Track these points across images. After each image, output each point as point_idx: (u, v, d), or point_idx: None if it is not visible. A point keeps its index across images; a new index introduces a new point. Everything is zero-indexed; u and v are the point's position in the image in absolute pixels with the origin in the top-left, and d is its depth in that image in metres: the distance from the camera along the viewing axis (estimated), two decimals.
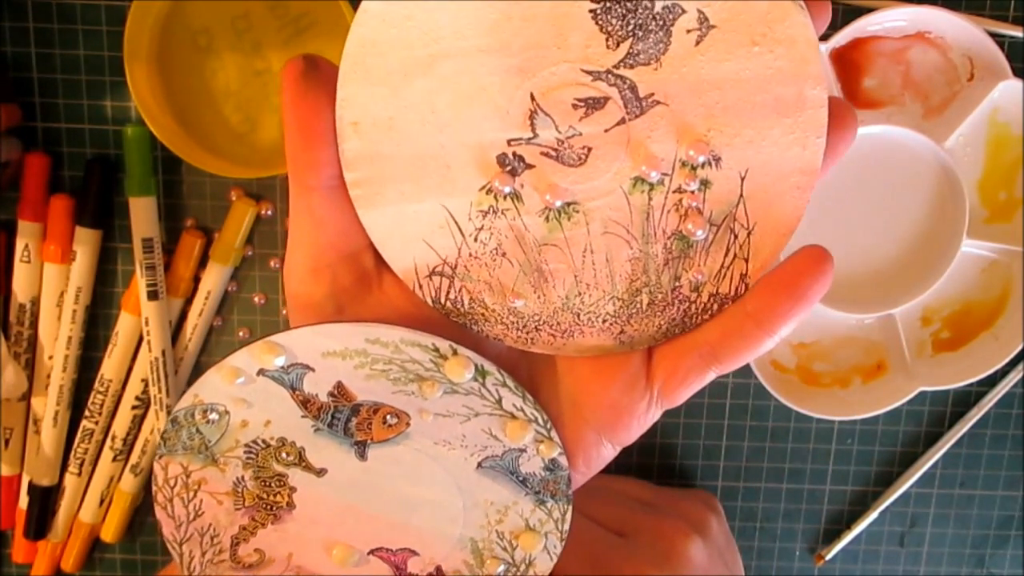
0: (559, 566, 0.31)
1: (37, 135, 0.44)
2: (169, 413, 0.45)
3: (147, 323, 0.44)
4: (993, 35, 0.42)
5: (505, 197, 0.26)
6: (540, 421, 0.30)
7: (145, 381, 0.46)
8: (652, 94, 0.25)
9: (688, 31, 0.25)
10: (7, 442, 0.46)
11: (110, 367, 0.46)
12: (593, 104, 0.25)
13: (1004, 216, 0.45)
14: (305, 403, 0.30)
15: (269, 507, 0.32)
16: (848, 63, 0.43)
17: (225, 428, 0.31)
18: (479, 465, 0.31)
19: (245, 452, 0.31)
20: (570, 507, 0.31)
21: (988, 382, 0.47)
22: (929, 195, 0.44)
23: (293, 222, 0.28)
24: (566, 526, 0.31)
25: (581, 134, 0.26)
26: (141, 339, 0.45)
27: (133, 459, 0.47)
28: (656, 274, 0.27)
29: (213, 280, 0.45)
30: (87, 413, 0.46)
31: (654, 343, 0.28)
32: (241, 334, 0.47)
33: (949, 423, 0.49)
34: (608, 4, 0.24)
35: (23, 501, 0.47)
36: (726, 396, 0.48)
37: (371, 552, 0.33)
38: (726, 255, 0.27)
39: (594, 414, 0.29)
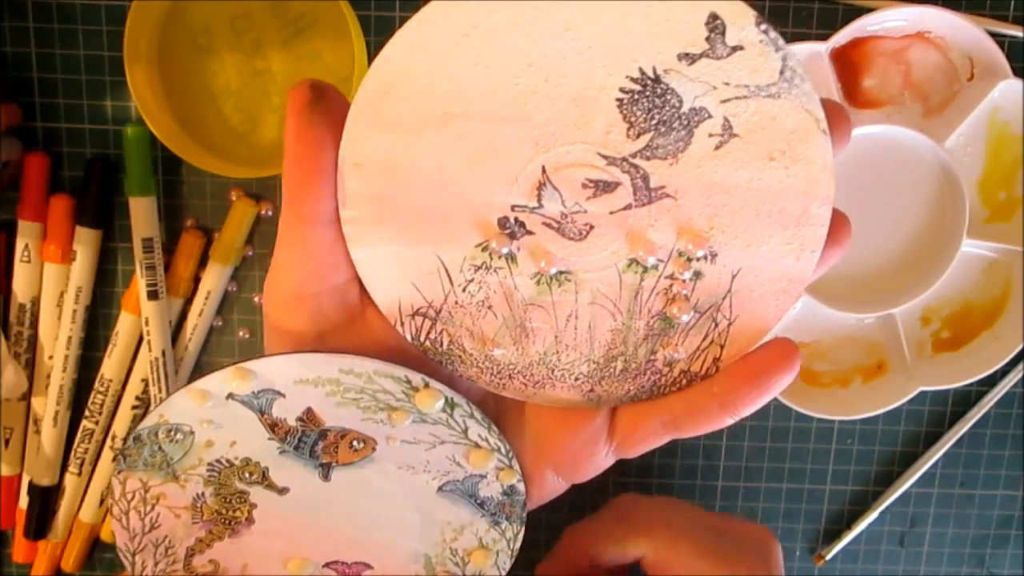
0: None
1: (37, 135, 0.44)
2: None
3: (147, 323, 0.44)
4: (993, 35, 0.42)
5: (500, 257, 0.27)
6: (503, 451, 0.31)
7: (145, 381, 0.46)
8: (663, 187, 0.26)
9: (710, 135, 0.25)
10: (7, 442, 0.46)
11: (110, 367, 0.46)
12: (603, 187, 0.26)
13: (1004, 216, 0.45)
14: (273, 426, 0.30)
15: (227, 521, 0.33)
16: (848, 63, 0.43)
17: (189, 447, 0.31)
18: (440, 488, 0.32)
19: (208, 470, 0.31)
20: (523, 528, 0.32)
21: (988, 382, 0.47)
22: (929, 195, 0.44)
23: (281, 248, 0.28)
24: (517, 545, 0.33)
25: (586, 212, 0.26)
26: (141, 339, 0.45)
27: None
28: (634, 346, 0.28)
29: (213, 280, 0.45)
30: (87, 413, 0.46)
31: (620, 403, 0.29)
32: (241, 334, 0.47)
33: (949, 423, 0.49)
34: (636, 96, 0.25)
35: (23, 501, 0.47)
36: None
37: (326, 565, 0.33)
38: (704, 339, 0.28)
39: (555, 456, 0.30)
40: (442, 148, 0.26)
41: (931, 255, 0.45)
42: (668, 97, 0.25)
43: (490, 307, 0.27)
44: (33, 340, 0.46)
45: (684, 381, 0.28)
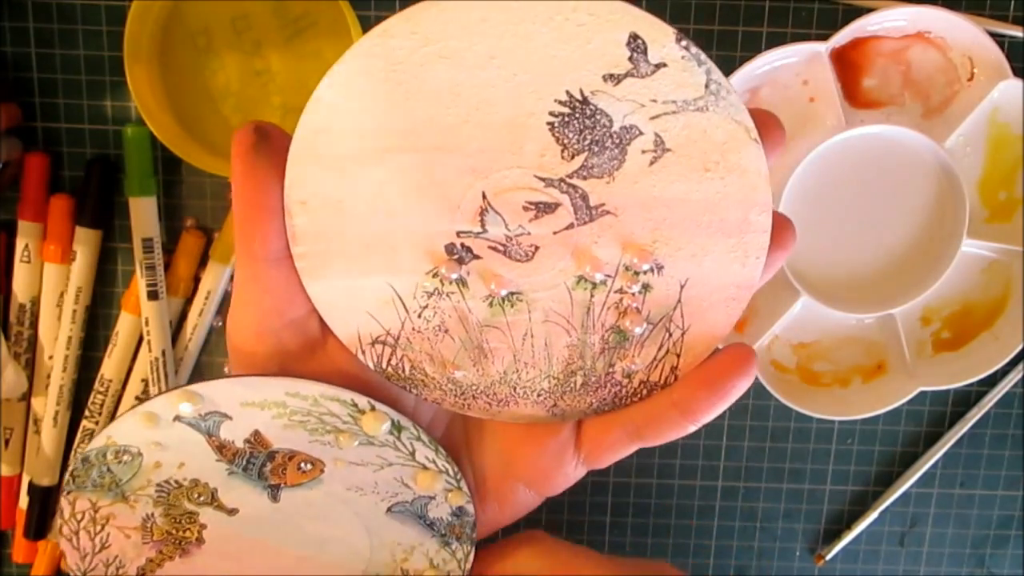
0: None
1: (37, 135, 0.44)
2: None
3: (147, 323, 0.44)
4: (993, 35, 0.42)
5: (451, 282, 0.27)
6: (450, 472, 0.31)
7: (145, 381, 0.46)
8: (603, 204, 0.26)
9: (643, 151, 0.25)
10: (7, 442, 0.46)
11: (110, 367, 0.46)
12: (544, 208, 0.26)
13: (1004, 216, 0.45)
14: (220, 448, 0.31)
15: (178, 542, 0.33)
16: (848, 63, 0.43)
17: (137, 468, 0.31)
18: (388, 509, 0.32)
19: (156, 491, 0.32)
20: (473, 548, 0.33)
21: (988, 382, 0.47)
22: (929, 195, 0.44)
23: (239, 287, 0.28)
24: (468, 565, 0.33)
25: (530, 233, 0.26)
26: (141, 339, 0.45)
27: None
28: (592, 360, 0.28)
29: (213, 280, 0.45)
30: (87, 413, 0.46)
31: (584, 417, 0.30)
32: None
33: (949, 423, 0.49)
34: (566, 118, 0.25)
35: (23, 501, 0.47)
36: None
37: None
38: (659, 349, 0.28)
39: (524, 471, 0.31)
40: (383, 181, 0.26)
41: (931, 255, 0.45)
42: (598, 117, 0.25)
43: (447, 331, 0.28)
44: (33, 340, 0.46)
45: (645, 391, 0.29)
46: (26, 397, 0.46)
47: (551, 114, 0.25)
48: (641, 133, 0.25)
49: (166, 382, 0.45)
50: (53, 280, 0.45)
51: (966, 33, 0.42)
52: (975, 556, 0.51)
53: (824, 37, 0.41)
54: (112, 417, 0.47)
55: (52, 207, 0.44)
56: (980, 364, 0.46)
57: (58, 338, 0.45)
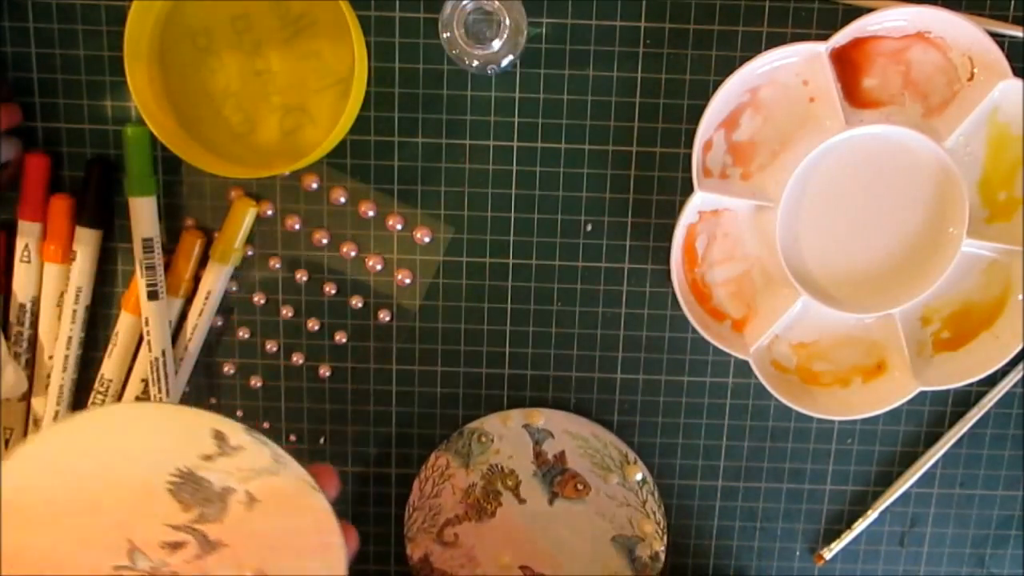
0: None
1: (37, 135, 0.44)
2: None
3: (147, 323, 0.44)
4: (993, 35, 0.42)
5: None
6: (661, 524, 0.48)
7: (145, 381, 0.46)
8: (220, 539, 0.36)
9: (239, 502, 0.35)
10: (7, 442, 0.46)
11: (110, 367, 0.46)
12: (176, 546, 0.35)
13: (1004, 216, 0.45)
14: (538, 455, 0.47)
15: (480, 510, 0.48)
16: (848, 63, 0.43)
17: (485, 449, 0.47)
18: (613, 538, 0.48)
19: (488, 469, 0.48)
20: None
21: (988, 382, 0.47)
22: (929, 195, 0.44)
23: None
24: None
25: (168, 564, 0.35)
26: (141, 339, 0.45)
27: None
28: None
29: (213, 280, 0.45)
30: None
31: None
32: (241, 334, 0.47)
33: (949, 423, 0.49)
34: (180, 485, 0.35)
35: None
36: (726, 396, 0.48)
37: (520, 566, 0.49)
38: None
39: None
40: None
41: (931, 255, 0.45)
42: (203, 483, 0.35)
43: None
44: (33, 340, 0.46)
45: None
46: (26, 397, 0.46)
47: (169, 482, 0.35)
48: (235, 490, 0.35)
49: (166, 382, 0.45)
50: (53, 280, 0.45)
51: (966, 33, 0.42)
52: (975, 556, 0.51)
53: (824, 37, 0.41)
54: None
55: (52, 207, 0.44)
56: (980, 364, 0.46)
57: (58, 338, 0.45)
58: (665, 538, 0.47)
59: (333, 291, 0.47)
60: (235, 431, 0.35)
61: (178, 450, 0.35)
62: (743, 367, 0.47)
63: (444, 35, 0.40)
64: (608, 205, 0.46)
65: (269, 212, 0.45)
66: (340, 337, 0.47)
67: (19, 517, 0.34)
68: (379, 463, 0.49)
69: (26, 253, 0.44)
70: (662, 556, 0.47)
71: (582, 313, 0.47)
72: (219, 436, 0.35)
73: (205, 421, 0.35)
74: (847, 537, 0.50)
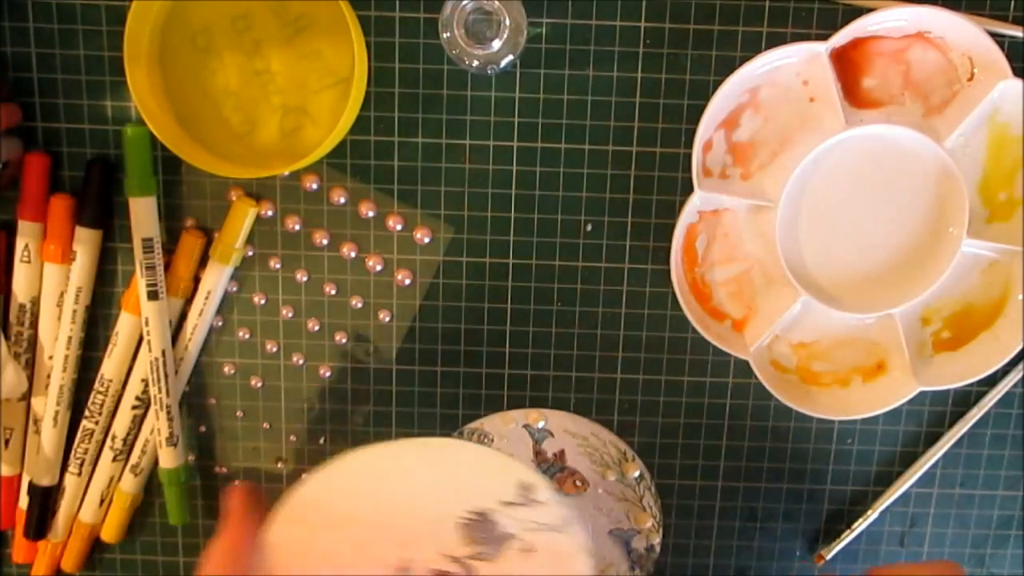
0: None
1: (37, 135, 0.44)
2: (169, 412, 0.45)
3: (147, 323, 0.44)
4: (993, 35, 0.42)
5: None
6: (657, 518, 0.48)
7: (145, 381, 0.46)
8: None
9: (517, 549, 0.38)
10: (7, 442, 0.46)
11: (110, 367, 0.46)
12: (443, 575, 0.38)
13: (1004, 216, 0.45)
14: (537, 452, 0.47)
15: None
16: (848, 63, 0.43)
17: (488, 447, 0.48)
18: (610, 531, 0.48)
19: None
20: None
21: (988, 382, 0.47)
22: (929, 195, 0.44)
23: None
24: None
25: None
26: (141, 339, 0.45)
27: (133, 459, 0.47)
28: None
29: (213, 280, 0.45)
30: (87, 413, 0.46)
31: None
32: (241, 334, 0.47)
33: (949, 423, 0.49)
34: (472, 523, 0.37)
35: (23, 501, 0.47)
36: (726, 396, 0.48)
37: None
38: None
39: None
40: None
41: (931, 255, 0.45)
42: (495, 526, 0.37)
43: None
44: (33, 340, 0.46)
45: None
46: (26, 397, 0.46)
47: (462, 518, 0.37)
48: (516, 536, 0.37)
49: (166, 382, 0.45)
50: (53, 280, 0.45)
51: (966, 33, 0.42)
52: (975, 556, 0.51)
53: (824, 37, 0.41)
54: (112, 417, 0.47)
55: (52, 207, 0.44)
56: (980, 364, 0.46)
57: (58, 338, 0.45)
58: (661, 531, 0.48)
59: (333, 291, 0.47)
60: (543, 486, 0.38)
61: (482, 491, 0.37)
62: (743, 367, 0.47)
63: (444, 35, 0.40)
64: (608, 205, 0.46)
65: (269, 212, 0.45)
66: (340, 337, 0.47)
67: (316, 515, 0.37)
68: None
69: (26, 253, 0.44)
70: (657, 548, 0.48)
71: (582, 313, 0.47)
72: (525, 487, 0.38)
73: (514, 471, 0.38)
74: (847, 537, 0.50)
